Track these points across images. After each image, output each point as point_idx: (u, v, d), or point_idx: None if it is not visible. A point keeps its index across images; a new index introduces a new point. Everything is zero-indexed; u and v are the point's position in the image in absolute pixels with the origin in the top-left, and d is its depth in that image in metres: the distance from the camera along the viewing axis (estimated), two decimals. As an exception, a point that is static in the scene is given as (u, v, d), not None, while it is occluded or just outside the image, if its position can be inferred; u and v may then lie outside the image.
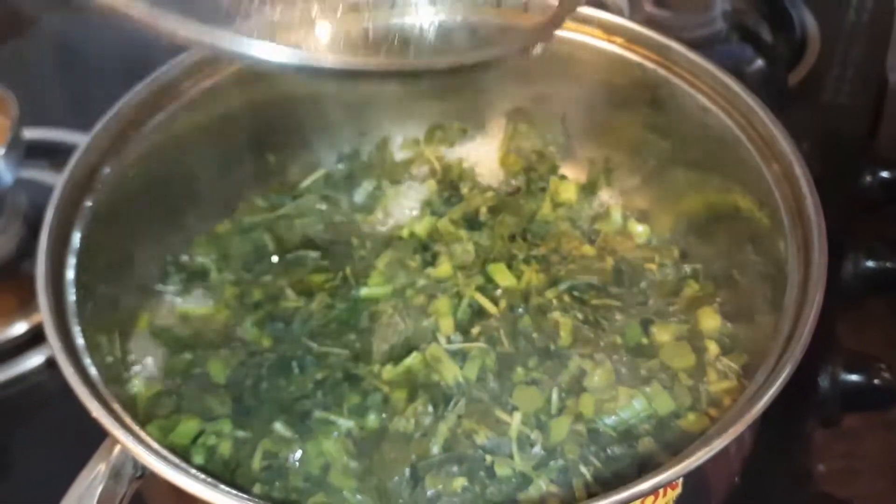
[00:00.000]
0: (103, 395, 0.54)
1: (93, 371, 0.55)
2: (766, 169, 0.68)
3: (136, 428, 0.52)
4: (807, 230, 0.62)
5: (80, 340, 0.58)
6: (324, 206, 0.88)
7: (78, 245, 0.66)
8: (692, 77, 0.76)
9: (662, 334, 0.75)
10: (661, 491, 0.53)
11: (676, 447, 0.62)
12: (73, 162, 0.69)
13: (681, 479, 0.53)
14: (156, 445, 0.51)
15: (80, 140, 0.73)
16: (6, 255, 0.93)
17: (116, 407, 0.53)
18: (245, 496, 0.47)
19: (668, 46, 0.77)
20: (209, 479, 0.48)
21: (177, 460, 0.50)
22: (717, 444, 0.49)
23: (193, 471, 0.49)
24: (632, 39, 0.79)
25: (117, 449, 0.50)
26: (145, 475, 0.52)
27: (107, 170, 0.72)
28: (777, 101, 1.12)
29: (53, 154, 1.00)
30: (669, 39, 0.77)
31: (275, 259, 0.84)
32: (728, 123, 0.73)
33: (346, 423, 0.70)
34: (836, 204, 1.05)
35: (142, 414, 0.70)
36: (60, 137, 1.05)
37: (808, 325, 0.55)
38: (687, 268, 0.81)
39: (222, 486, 0.48)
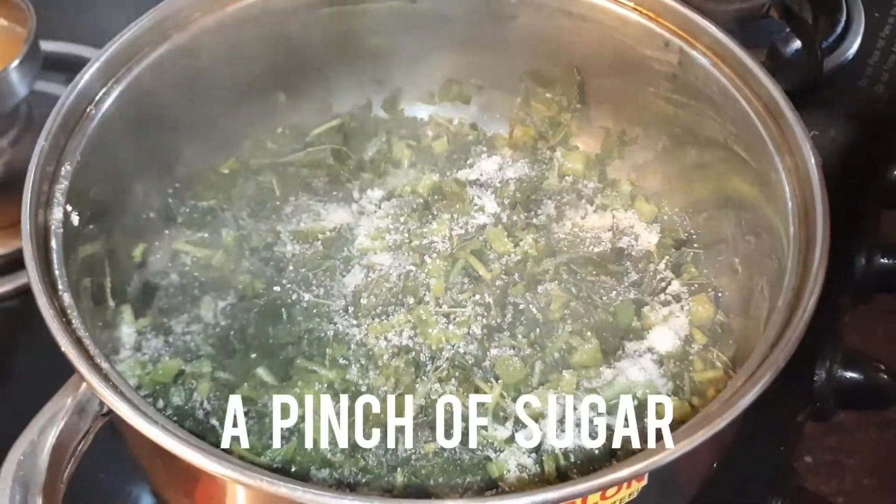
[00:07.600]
0: (76, 330, 0.53)
1: (67, 300, 0.55)
2: (780, 161, 0.66)
3: (105, 366, 0.51)
4: (811, 234, 0.60)
5: (60, 272, 0.57)
6: (332, 161, 0.86)
7: (74, 166, 0.65)
8: (716, 57, 0.73)
9: (653, 317, 0.74)
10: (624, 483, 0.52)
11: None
12: (79, 80, 0.68)
13: (646, 474, 0.52)
14: (123, 386, 0.51)
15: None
16: (19, 166, 0.93)
17: (88, 343, 0.53)
18: (198, 442, 0.47)
19: (695, 22, 0.74)
20: (167, 425, 0.48)
21: (140, 402, 0.50)
22: (681, 448, 0.48)
23: (153, 414, 0.49)
24: (659, 11, 0.76)
25: (83, 385, 0.50)
26: (111, 414, 0.52)
27: (111, 94, 0.71)
28: (810, 84, 1.10)
29: (70, 69, 0.98)
30: (697, 15, 0.74)
31: (277, 203, 0.83)
32: (747, 110, 0.70)
33: (327, 373, 0.70)
34: (858, 196, 1.03)
35: (128, 347, 0.70)
36: (78, 52, 1.03)
37: (795, 332, 0.53)
38: (689, 252, 0.79)
39: (177, 433, 0.47)
